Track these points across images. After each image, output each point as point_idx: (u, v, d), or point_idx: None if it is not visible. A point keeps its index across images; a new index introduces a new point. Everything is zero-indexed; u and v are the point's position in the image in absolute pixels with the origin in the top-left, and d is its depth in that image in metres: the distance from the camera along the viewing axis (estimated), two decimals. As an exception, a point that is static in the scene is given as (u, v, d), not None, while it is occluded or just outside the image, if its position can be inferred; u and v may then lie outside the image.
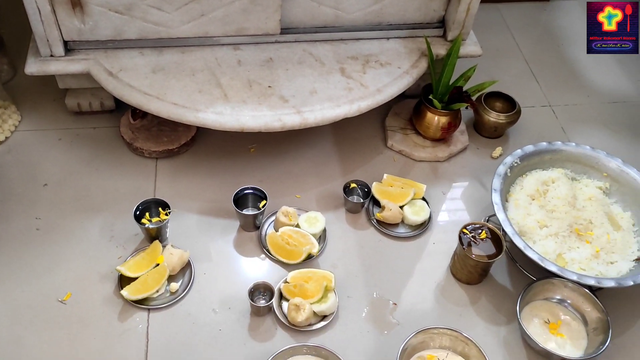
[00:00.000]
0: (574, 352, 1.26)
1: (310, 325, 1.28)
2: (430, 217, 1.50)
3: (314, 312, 1.28)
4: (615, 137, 1.77)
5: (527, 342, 1.29)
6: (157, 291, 1.30)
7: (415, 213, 1.48)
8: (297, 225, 1.43)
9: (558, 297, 1.33)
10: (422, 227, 1.49)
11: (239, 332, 1.27)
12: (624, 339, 1.32)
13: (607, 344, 1.22)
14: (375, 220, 1.49)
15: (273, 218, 1.46)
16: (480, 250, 1.33)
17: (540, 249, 1.36)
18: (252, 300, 1.27)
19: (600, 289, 1.32)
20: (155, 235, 1.38)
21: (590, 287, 1.30)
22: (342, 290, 1.35)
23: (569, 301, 1.32)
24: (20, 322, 1.26)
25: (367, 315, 1.33)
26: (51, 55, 1.47)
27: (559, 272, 1.27)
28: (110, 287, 1.32)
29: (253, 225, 1.43)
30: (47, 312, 1.27)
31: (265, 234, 1.42)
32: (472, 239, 1.35)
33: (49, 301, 1.29)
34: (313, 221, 1.43)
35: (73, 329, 1.25)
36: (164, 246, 1.36)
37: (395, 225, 1.49)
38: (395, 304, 1.35)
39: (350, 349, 1.26)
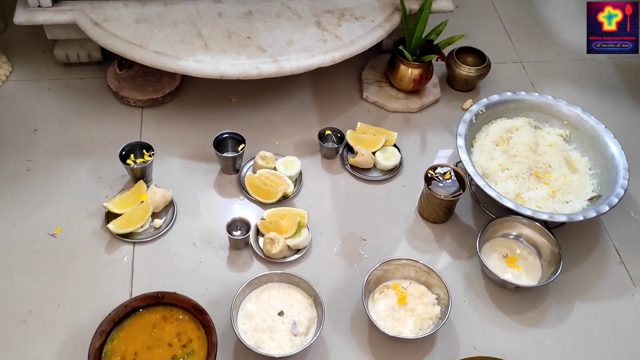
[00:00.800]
0: (528, 282, 1.36)
1: (284, 257, 1.38)
2: (401, 163, 1.59)
3: (288, 246, 1.37)
4: (580, 91, 1.85)
5: (487, 274, 1.38)
6: (142, 226, 1.39)
7: (387, 158, 1.57)
8: (274, 169, 1.52)
9: (515, 234, 1.42)
10: (393, 172, 1.58)
11: (218, 263, 1.37)
12: (575, 272, 1.42)
13: (557, 274, 1.32)
14: (348, 165, 1.57)
15: (252, 163, 1.54)
16: (445, 190, 1.42)
17: (501, 189, 1.45)
18: (229, 233, 1.36)
19: (558, 226, 1.42)
20: (140, 176, 1.46)
21: (545, 224, 1.40)
22: (316, 227, 1.44)
23: (525, 237, 1.42)
24: (13, 253, 1.34)
25: (338, 250, 1.42)
26: (39, 6, 1.54)
27: (515, 208, 1.36)
28: (98, 223, 1.40)
29: (232, 168, 1.52)
30: (39, 244, 1.36)
31: (244, 176, 1.51)
32: (437, 179, 1.43)
33: (40, 234, 1.37)
34: (289, 164, 1.52)
35: (63, 260, 1.34)
36: (148, 186, 1.45)
37: (368, 170, 1.57)
38: (365, 240, 1.44)
39: (321, 279, 1.35)
